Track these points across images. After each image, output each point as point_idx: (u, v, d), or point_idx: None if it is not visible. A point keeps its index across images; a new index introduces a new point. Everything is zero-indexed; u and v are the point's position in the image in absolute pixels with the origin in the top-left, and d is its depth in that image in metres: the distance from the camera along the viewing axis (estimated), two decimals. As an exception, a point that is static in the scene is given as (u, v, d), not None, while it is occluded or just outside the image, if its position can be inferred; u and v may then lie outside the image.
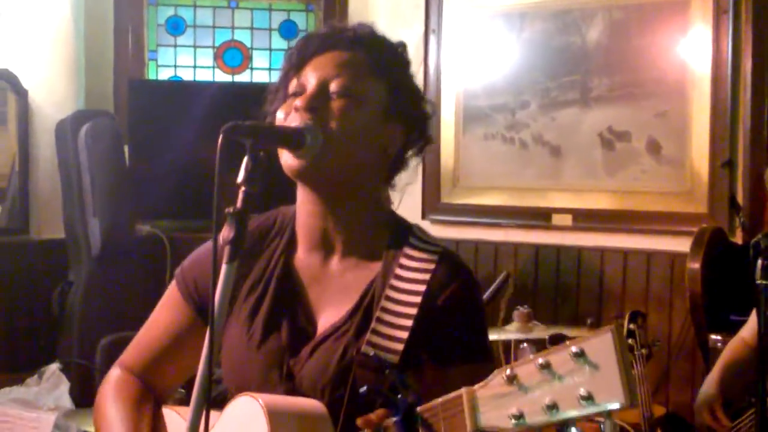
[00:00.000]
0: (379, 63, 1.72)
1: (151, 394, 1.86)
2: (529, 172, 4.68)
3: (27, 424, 3.35)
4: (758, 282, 2.66)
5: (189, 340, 1.80)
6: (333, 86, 1.67)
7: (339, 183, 1.69)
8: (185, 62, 5.53)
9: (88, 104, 5.10)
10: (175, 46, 5.50)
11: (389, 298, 1.65)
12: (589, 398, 1.15)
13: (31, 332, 4.74)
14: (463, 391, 1.29)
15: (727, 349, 3.18)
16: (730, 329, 3.43)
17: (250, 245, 1.71)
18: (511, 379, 1.23)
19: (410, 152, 1.81)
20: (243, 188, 1.47)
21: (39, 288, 4.74)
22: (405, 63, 1.80)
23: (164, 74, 5.49)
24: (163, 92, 5.32)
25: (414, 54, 4.75)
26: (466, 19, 4.83)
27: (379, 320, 1.63)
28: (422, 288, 1.65)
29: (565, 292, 4.56)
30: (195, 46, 5.52)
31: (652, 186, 4.39)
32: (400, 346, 1.61)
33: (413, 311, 1.63)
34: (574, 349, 1.17)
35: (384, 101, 1.72)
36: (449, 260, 1.71)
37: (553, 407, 1.18)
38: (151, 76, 5.45)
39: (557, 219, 4.61)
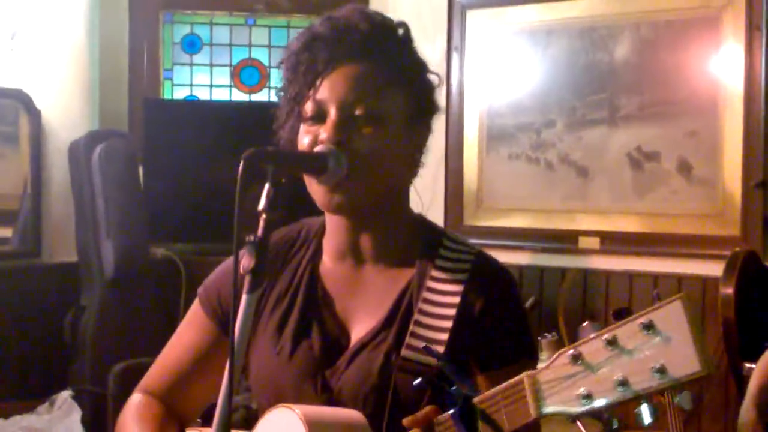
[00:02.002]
0: (394, 68, 1.68)
1: (174, 418, 1.84)
2: (555, 194, 4.58)
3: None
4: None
5: (214, 359, 1.78)
6: (358, 111, 1.62)
7: (372, 205, 1.66)
8: (201, 81, 5.47)
9: (102, 124, 5.07)
10: (191, 64, 5.45)
11: (427, 301, 1.64)
12: (662, 371, 1.11)
13: (42, 358, 4.69)
14: (524, 375, 1.25)
15: (758, 369, 3.06)
16: (764, 357, 3.33)
17: (274, 256, 1.75)
18: (576, 359, 1.18)
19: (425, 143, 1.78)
20: (264, 216, 1.44)
21: (51, 313, 4.69)
22: (411, 46, 1.76)
23: (180, 93, 5.44)
24: (178, 112, 5.26)
25: (437, 71, 4.69)
26: (490, 35, 4.75)
27: (418, 323, 1.62)
28: (459, 288, 1.64)
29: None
30: (211, 65, 5.47)
31: (682, 208, 4.29)
32: (441, 348, 1.58)
33: (452, 312, 1.62)
34: (642, 321, 1.13)
35: (406, 109, 1.68)
36: (485, 262, 1.71)
37: (624, 383, 1.14)
38: (167, 95, 5.40)
39: (584, 242, 4.52)
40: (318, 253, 1.76)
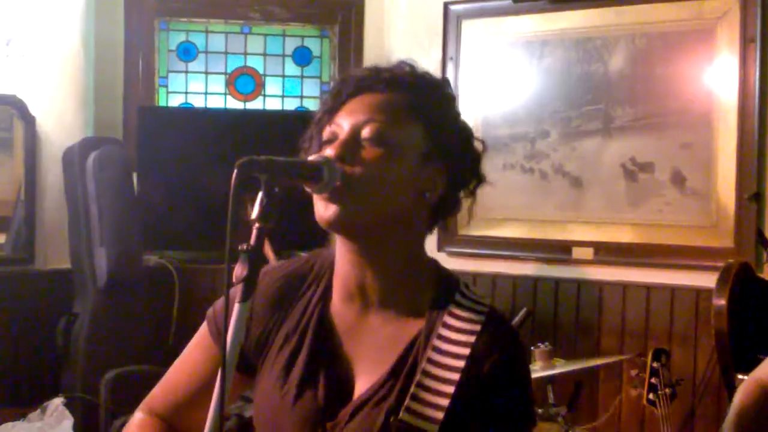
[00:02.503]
0: (416, 103, 1.65)
1: None
2: (548, 204, 4.59)
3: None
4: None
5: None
6: (365, 132, 1.60)
7: (373, 232, 1.62)
8: (196, 89, 5.47)
9: (96, 131, 5.06)
10: (186, 72, 5.44)
11: (431, 361, 1.58)
12: None
13: (34, 365, 4.67)
14: None
15: (740, 392, 3.04)
16: (757, 368, 3.32)
17: (287, 291, 1.72)
18: None
19: (461, 192, 1.73)
20: (257, 225, 1.42)
21: (43, 319, 4.67)
22: (447, 100, 1.71)
23: (175, 101, 5.43)
24: (173, 119, 5.25)
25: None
26: (485, 46, 4.76)
27: (420, 385, 1.57)
28: (466, 351, 1.59)
29: (585, 329, 4.45)
30: (206, 73, 5.47)
31: (676, 219, 4.30)
32: (440, 414, 1.54)
33: (456, 377, 1.56)
34: None
35: (422, 144, 1.64)
36: (496, 322, 1.64)
37: None
38: (162, 102, 5.39)
39: (578, 252, 4.52)
40: (328, 291, 1.72)
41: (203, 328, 1.81)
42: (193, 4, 5.38)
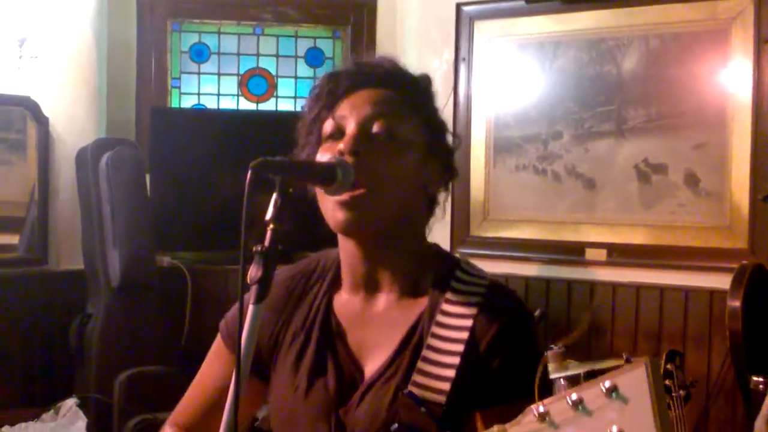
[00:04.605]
0: (413, 100, 1.67)
1: None
2: (561, 205, 4.57)
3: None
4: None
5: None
6: (375, 127, 1.61)
7: (385, 230, 1.64)
8: (209, 90, 5.48)
9: (109, 132, 5.07)
10: (199, 73, 5.45)
11: (435, 336, 1.60)
12: None
13: (47, 366, 4.69)
14: (495, 429, 1.22)
15: None
16: (772, 370, 3.33)
17: (292, 290, 1.74)
18: (543, 417, 1.17)
19: (441, 188, 1.76)
20: (271, 226, 1.42)
21: (56, 320, 4.69)
22: (433, 97, 1.75)
23: (187, 102, 5.44)
24: (186, 120, 5.26)
25: (444, 83, 4.69)
26: (497, 47, 4.75)
27: (425, 359, 1.58)
28: (469, 323, 1.60)
29: (598, 330, 4.44)
30: (219, 74, 5.48)
31: (689, 220, 4.28)
32: (447, 386, 1.55)
33: (460, 348, 1.58)
34: (606, 384, 1.12)
35: (423, 139, 1.66)
36: (497, 294, 1.66)
37: None
38: (174, 104, 5.40)
39: (591, 254, 4.51)
40: (334, 285, 1.74)
41: (217, 340, 1.83)
42: (206, 6, 5.39)
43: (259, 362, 1.69)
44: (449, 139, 1.75)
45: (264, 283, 1.40)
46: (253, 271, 1.40)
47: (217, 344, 1.83)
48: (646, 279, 4.37)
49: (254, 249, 1.40)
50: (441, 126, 1.73)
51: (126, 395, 4.16)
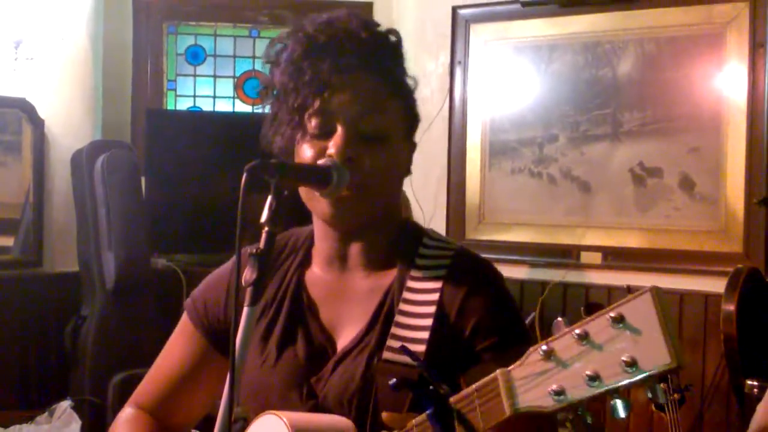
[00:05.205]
0: (394, 80, 1.67)
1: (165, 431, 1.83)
2: (557, 208, 4.57)
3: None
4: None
5: (203, 372, 1.78)
6: (364, 128, 1.60)
7: (370, 221, 1.66)
8: (205, 92, 5.47)
9: (105, 134, 5.07)
10: (195, 75, 5.45)
11: (407, 301, 1.61)
12: (633, 364, 1.09)
13: (42, 368, 4.68)
14: (497, 373, 1.23)
15: (760, 408, 3.02)
16: (766, 374, 3.38)
17: None
18: (548, 355, 1.17)
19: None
20: (266, 228, 1.43)
21: (51, 322, 4.69)
22: (401, 55, 1.72)
23: (183, 104, 5.44)
24: (181, 123, 5.25)
25: (439, 86, 4.69)
26: (493, 50, 4.75)
27: (398, 324, 1.59)
28: (438, 285, 1.61)
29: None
30: (215, 76, 5.47)
31: (684, 224, 4.28)
32: (422, 347, 1.55)
33: (431, 310, 1.59)
34: (612, 314, 1.11)
35: (404, 122, 1.68)
36: (463, 258, 1.68)
37: (595, 378, 1.12)
38: (170, 106, 5.40)
39: (586, 257, 4.51)
40: (306, 261, 1.74)
41: (183, 319, 1.81)
42: (202, 8, 5.39)
43: (227, 337, 1.67)
44: (410, 83, 1.72)
45: (259, 285, 1.40)
46: (248, 274, 1.40)
47: (183, 323, 1.81)
48: (641, 282, 4.34)
49: (249, 251, 1.41)
50: (410, 87, 1.71)
51: (120, 397, 4.15)
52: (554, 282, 4.54)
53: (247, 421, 1.64)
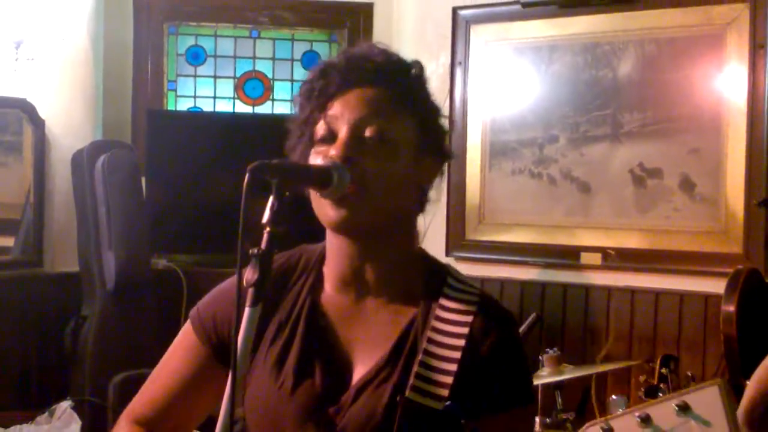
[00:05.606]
0: (405, 96, 1.65)
1: None
2: (557, 209, 4.57)
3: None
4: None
5: (204, 386, 1.73)
6: (368, 131, 1.59)
7: (377, 228, 1.63)
8: (205, 93, 5.47)
9: (105, 135, 5.07)
10: (195, 76, 5.45)
11: (432, 341, 1.59)
12: None
13: (42, 368, 4.68)
14: None
15: (749, 388, 3.03)
16: (766, 375, 3.31)
17: (273, 285, 1.67)
18: None
19: (435, 179, 1.76)
20: (268, 229, 1.42)
21: (51, 323, 4.68)
22: (426, 84, 1.73)
23: (183, 105, 5.43)
24: (182, 123, 5.25)
25: (440, 86, 4.69)
26: (494, 51, 4.75)
27: (423, 364, 1.57)
28: (465, 331, 1.60)
29: (594, 334, 4.43)
30: (215, 77, 5.47)
31: (685, 225, 4.28)
32: (444, 392, 1.55)
33: (457, 355, 1.58)
34: (677, 402, 1.10)
35: (416, 138, 1.65)
36: (489, 305, 1.67)
37: None
38: (170, 106, 5.39)
39: (586, 258, 4.50)
40: (318, 281, 1.71)
41: (186, 330, 1.77)
42: (202, 9, 5.39)
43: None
44: (443, 122, 1.73)
45: (260, 285, 1.40)
46: (250, 274, 1.40)
47: (185, 334, 1.77)
48: (641, 283, 4.37)
49: (250, 252, 1.41)
50: (434, 115, 1.71)
51: (120, 398, 4.14)
52: (554, 282, 4.55)
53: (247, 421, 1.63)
